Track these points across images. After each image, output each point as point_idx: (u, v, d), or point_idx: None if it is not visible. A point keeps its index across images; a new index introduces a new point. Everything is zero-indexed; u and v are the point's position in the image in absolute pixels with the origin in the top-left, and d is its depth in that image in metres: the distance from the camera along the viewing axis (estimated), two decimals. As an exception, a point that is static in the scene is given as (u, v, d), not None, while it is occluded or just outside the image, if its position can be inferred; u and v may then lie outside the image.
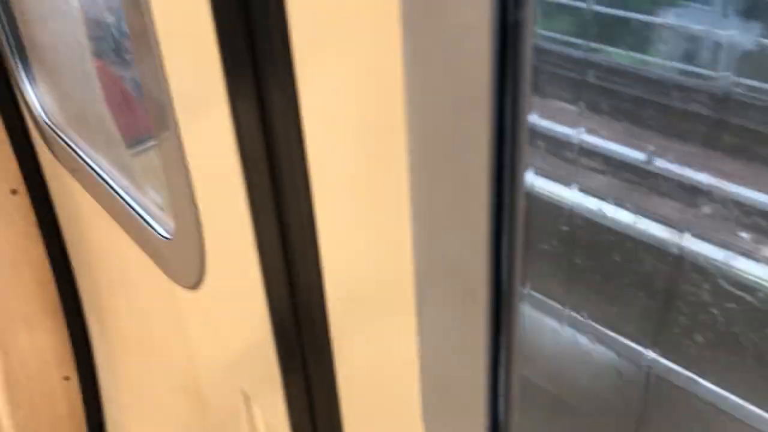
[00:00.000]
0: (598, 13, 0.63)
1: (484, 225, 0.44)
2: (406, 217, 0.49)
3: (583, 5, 0.64)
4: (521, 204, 0.44)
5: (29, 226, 1.66)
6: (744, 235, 0.63)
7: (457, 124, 0.43)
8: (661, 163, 0.66)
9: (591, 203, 0.72)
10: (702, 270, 0.65)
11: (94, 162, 1.22)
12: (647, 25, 0.63)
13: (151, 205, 1.04)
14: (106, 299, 1.58)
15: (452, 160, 0.44)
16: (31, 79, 1.46)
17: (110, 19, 1.22)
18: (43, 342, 1.78)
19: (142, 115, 1.19)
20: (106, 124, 1.31)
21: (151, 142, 1.09)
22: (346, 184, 0.57)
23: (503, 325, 0.48)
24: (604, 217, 0.71)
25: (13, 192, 1.60)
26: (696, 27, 0.60)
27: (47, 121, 1.40)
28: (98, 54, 1.29)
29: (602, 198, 0.71)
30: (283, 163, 0.63)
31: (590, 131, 0.68)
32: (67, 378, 1.85)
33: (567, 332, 0.76)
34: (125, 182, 1.15)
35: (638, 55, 0.67)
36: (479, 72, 0.39)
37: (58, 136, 1.35)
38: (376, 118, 0.50)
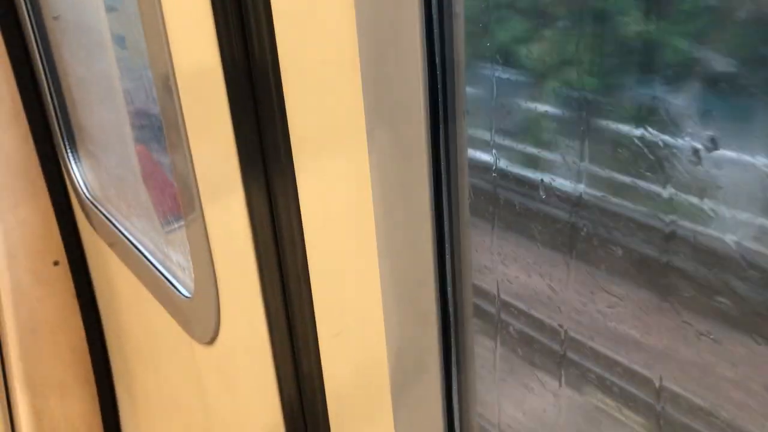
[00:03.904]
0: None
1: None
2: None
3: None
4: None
5: (68, 296, 1.76)
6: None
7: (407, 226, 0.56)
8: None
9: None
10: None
11: (128, 232, 1.33)
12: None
13: (175, 269, 1.14)
14: (135, 368, 1.66)
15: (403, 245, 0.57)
16: (77, 159, 1.60)
17: (155, 110, 1.35)
18: (74, 409, 1.86)
19: (175, 198, 1.30)
20: (143, 202, 1.42)
21: (182, 223, 1.20)
22: (335, 262, 0.68)
23: None
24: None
25: (56, 263, 1.72)
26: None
27: (89, 197, 1.53)
28: (141, 140, 1.42)
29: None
30: (286, 241, 0.74)
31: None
32: (94, 446, 1.91)
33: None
34: (155, 249, 1.25)
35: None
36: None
37: (99, 211, 1.47)
38: (353, 214, 0.61)
